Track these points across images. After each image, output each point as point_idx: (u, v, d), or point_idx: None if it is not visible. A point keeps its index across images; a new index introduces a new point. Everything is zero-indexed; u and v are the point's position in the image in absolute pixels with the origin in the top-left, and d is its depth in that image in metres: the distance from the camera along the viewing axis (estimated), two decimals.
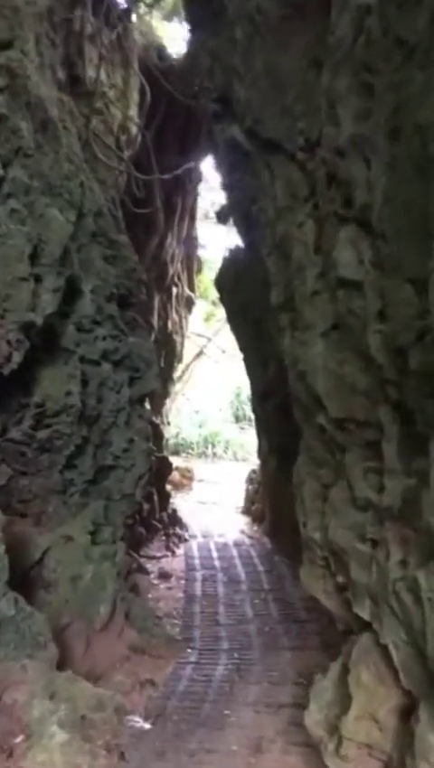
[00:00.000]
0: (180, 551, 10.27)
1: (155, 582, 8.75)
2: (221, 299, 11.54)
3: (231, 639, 6.75)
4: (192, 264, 13.36)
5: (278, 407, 10.63)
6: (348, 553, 3.49)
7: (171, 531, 10.66)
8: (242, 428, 23.89)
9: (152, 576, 9.00)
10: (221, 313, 22.35)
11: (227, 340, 25.02)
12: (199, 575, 9.00)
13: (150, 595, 8.19)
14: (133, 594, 6.84)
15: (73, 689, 4.88)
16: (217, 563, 9.58)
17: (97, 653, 6.05)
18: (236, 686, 5.63)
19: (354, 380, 3.43)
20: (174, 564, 9.58)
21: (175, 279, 12.49)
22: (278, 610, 7.59)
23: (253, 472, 13.67)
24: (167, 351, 12.54)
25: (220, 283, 11.46)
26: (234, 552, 10.16)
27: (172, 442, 21.76)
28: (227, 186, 8.98)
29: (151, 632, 6.46)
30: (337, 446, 3.88)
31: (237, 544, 10.69)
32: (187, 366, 23.31)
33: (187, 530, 11.57)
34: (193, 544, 10.69)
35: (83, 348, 6.47)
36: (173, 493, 14.61)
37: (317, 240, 3.74)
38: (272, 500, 11.02)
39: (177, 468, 16.22)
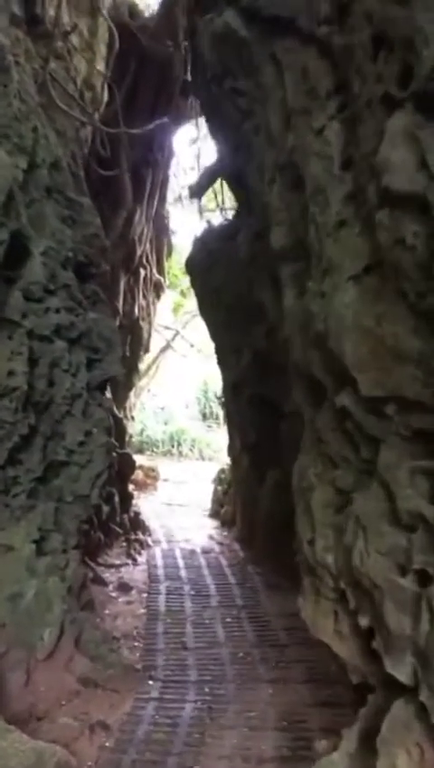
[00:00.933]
0: (142, 559, 9.24)
1: (114, 595, 7.71)
2: (192, 283, 10.54)
3: (201, 667, 5.75)
4: (162, 245, 12.34)
5: (251, 400, 9.68)
6: (381, 588, 2.52)
7: (133, 537, 9.63)
8: (209, 426, 23.05)
9: (110, 587, 7.96)
10: (190, 304, 21.42)
11: (195, 333, 24.14)
12: (163, 587, 7.99)
13: (107, 611, 7.15)
14: (86, 613, 5.80)
15: (3, 744, 3.85)
16: (183, 573, 8.57)
17: (39, 688, 5.01)
18: (208, 731, 4.64)
19: (399, 343, 2.46)
20: (136, 574, 8.54)
21: (144, 261, 11.46)
22: (253, 630, 6.62)
23: (222, 471, 12.70)
24: (133, 339, 11.50)
25: (191, 265, 10.46)
26: (202, 561, 9.17)
27: (136, 439, 20.82)
28: (211, 121, 7.85)
29: (106, 661, 5.44)
30: (366, 438, 2.93)
31: (205, 551, 9.70)
32: (154, 360, 22.40)
33: (151, 535, 10.55)
34: (157, 551, 9.68)
35: (31, 320, 5.42)
36: (136, 494, 13.61)
37: (346, 149, 2.77)
38: (244, 503, 10.06)
39: (141, 467, 15.20)
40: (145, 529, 10.31)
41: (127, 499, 10.19)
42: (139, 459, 18.36)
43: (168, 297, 20.94)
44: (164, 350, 22.97)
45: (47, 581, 5.24)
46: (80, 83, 8.34)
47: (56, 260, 5.72)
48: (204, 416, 23.73)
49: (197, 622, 6.85)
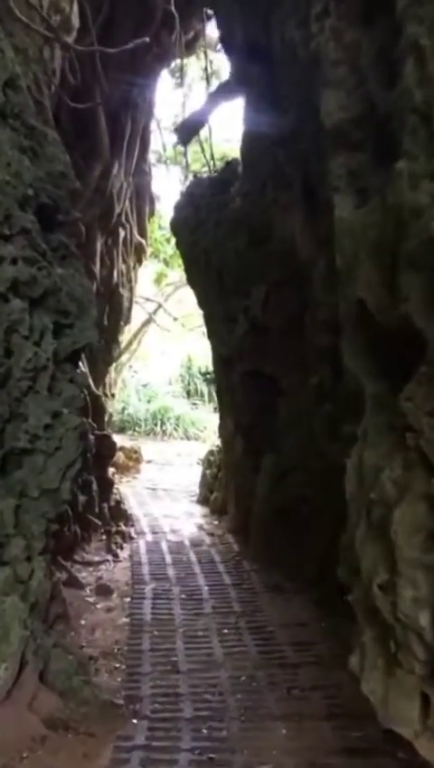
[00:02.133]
0: (125, 554, 8.20)
1: (92, 600, 6.66)
2: (178, 243, 9.40)
3: (196, 698, 4.72)
4: (143, 204, 11.13)
5: (246, 375, 8.60)
6: None
7: (114, 529, 8.57)
8: (194, 404, 22.01)
9: (88, 590, 6.91)
10: (173, 275, 20.23)
11: (179, 306, 22.98)
12: (149, 589, 6.95)
13: (83, 621, 6.12)
14: (56, 635, 4.74)
15: None
16: (171, 571, 7.54)
17: None
18: None
19: None
20: (117, 573, 7.50)
21: (123, 220, 10.27)
22: (255, 645, 5.60)
23: (211, 454, 11.65)
24: (112, 308, 10.34)
25: (176, 222, 9.33)
26: (192, 555, 8.14)
27: (117, 418, 19.76)
28: None
29: (79, 696, 4.39)
30: None
31: (195, 544, 8.68)
32: (135, 334, 21.32)
33: (133, 526, 9.51)
34: (141, 544, 8.63)
35: None
36: (117, 478, 12.55)
37: None
38: (237, 489, 9.04)
39: (122, 448, 14.12)
40: (127, 520, 9.26)
41: (106, 486, 9.13)
42: (120, 439, 17.30)
43: (150, 268, 19.77)
44: (145, 323, 21.86)
45: (3, 602, 4.17)
46: (46, 5, 7.11)
47: (11, 198, 4.57)
48: (189, 394, 22.69)
49: (189, 635, 5.82)
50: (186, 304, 23.24)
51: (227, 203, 8.55)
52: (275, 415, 8.10)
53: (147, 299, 21.04)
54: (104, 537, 8.44)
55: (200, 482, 11.57)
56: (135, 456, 14.41)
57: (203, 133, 10.14)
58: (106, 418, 11.85)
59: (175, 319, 21.62)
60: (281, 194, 6.73)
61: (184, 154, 10.89)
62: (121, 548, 8.34)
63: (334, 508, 7.21)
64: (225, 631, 5.92)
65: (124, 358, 19.37)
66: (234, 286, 8.29)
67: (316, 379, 6.13)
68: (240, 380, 8.68)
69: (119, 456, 13.42)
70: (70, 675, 4.42)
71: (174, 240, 19.05)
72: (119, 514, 9.00)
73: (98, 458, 8.86)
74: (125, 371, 20.16)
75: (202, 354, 23.57)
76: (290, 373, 7.69)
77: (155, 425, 20.17)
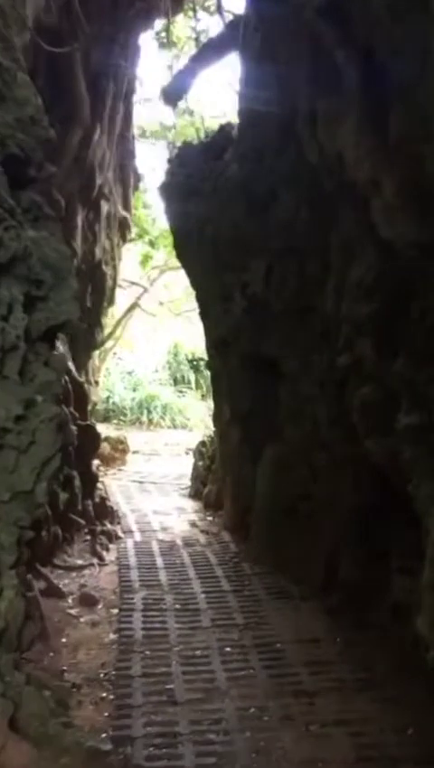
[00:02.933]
0: (111, 556, 7.44)
1: (74, 613, 5.90)
2: (167, 213, 8.57)
3: (199, 738, 3.98)
4: (127, 176, 10.27)
5: (244, 359, 7.85)
6: None
7: (99, 528, 7.80)
8: (181, 392, 21.28)
9: (70, 600, 6.15)
10: (159, 256, 19.38)
11: (166, 291, 22.16)
12: (139, 598, 6.20)
13: (64, 639, 5.36)
14: (29, 668, 3.97)
15: None
16: (163, 576, 6.79)
17: None
18: None
19: None
20: (103, 579, 6.75)
21: (106, 192, 9.42)
22: (264, 668, 4.87)
23: (203, 444, 10.90)
24: (95, 287, 9.51)
25: (165, 191, 8.51)
26: (186, 557, 7.40)
27: (101, 407, 19.00)
28: None
29: (57, 744, 3.63)
30: None
31: (188, 544, 7.94)
32: (120, 320, 20.55)
33: (120, 523, 8.76)
34: (129, 544, 7.88)
35: None
36: (102, 470, 11.78)
37: None
38: (234, 483, 8.28)
39: (107, 439, 13.35)
40: (113, 517, 8.49)
41: (90, 481, 8.34)
42: (105, 429, 16.54)
43: (134, 251, 18.93)
44: (131, 308, 21.05)
45: None
46: None
47: None
48: (175, 381, 21.96)
49: (186, 656, 5.07)
50: (173, 288, 22.47)
51: (222, 170, 7.74)
52: (276, 402, 7.36)
53: (133, 283, 20.22)
54: (88, 537, 7.67)
55: (191, 475, 10.81)
56: (121, 447, 13.63)
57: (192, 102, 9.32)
58: (89, 407, 11.06)
59: (162, 304, 20.82)
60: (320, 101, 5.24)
61: (171, 123, 10.06)
62: (107, 550, 7.58)
63: (341, 505, 6.54)
64: (228, 649, 5.18)
65: (108, 344, 18.62)
66: (231, 260, 7.50)
67: (347, 358, 5.31)
68: (236, 364, 7.92)
69: (104, 447, 12.65)
70: (46, 719, 3.66)
71: (159, 221, 18.37)
72: (105, 512, 8.22)
73: (80, 451, 8.07)
74: (109, 358, 19.42)
75: (189, 340, 22.82)
76: (293, 356, 6.94)
77: (141, 413, 19.49)
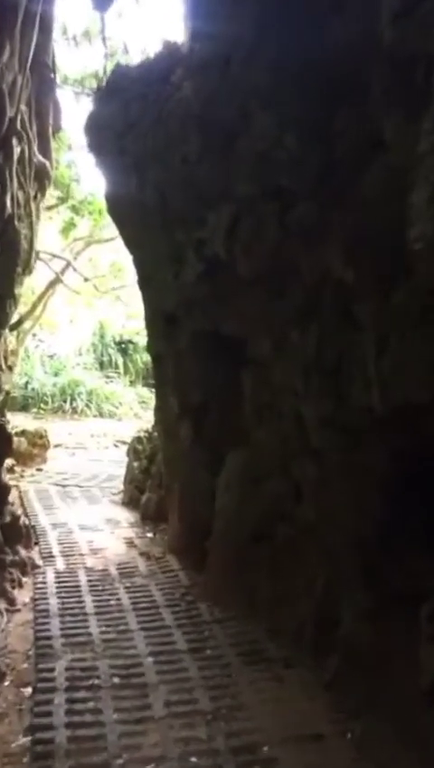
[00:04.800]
0: (24, 596, 5.68)
1: None
2: (96, 152, 6.71)
3: None
4: (44, 110, 8.30)
5: (199, 337, 6.20)
6: None
7: (8, 558, 5.98)
8: (108, 377, 19.56)
9: None
10: (84, 225, 17.38)
11: (91, 265, 20.17)
12: (61, 668, 4.46)
13: None
14: None
15: None
16: (95, 627, 5.08)
17: None
18: None
19: None
20: (13, 635, 4.96)
21: (18, 129, 7.51)
22: None
23: (139, 441, 9.20)
24: (5, 249, 7.57)
25: (94, 125, 6.69)
26: (123, 595, 5.70)
27: (19, 394, 17.06)
28: None
29: None
30: None
31: (125, 573, 6.25)
32: (40, 297, 18.54)
33: (38, 544, 6.98)
34: (49, 577, 6.11)
35: None
36: (17, 472, 9.95)
37: None
38: (184, 494, 6.63)
39: (24, 432, 11.49)
40: (29, 541, 6.68)
41: (0, 495, 6.50)
42: (23, 420, 14.66)
43: (57, 220, 16.91)
44: (52, 285, 19.01)
45: None
46: None
47: None
48: (102, 366, 20.22)
49: None
50: (99, 263, 20.50)
51: (171, 95, 5.99)
52: (240, 392, 5.75)
53: (54, 255, 18.17)
54: None
55: (125, 478, 9.10)
56: (40, 442, 11.77)
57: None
58: (0, 397, 9.18)
59: (87, 280, 18.88)
60: None
61: (102, 31, 8.16)
62: (20, 587, 5.81)
63: (337, 530, 5.01)
64: (193, 759, 3.54)
65: (27, 324, 16.70)
66: (182, 212, 5.79)
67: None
68: (187, 345, 6.26)
69: (20, 443, 10.81)
70: None
71: (85, 185, 16.37)
72: (17, 535, 6.39)
73: None
74: (27, 340, 17.52)
75: (116, 320, 20.93)
76: (265, 334, 5.33)
77: (64, 401, 17.82)
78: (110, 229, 13.30)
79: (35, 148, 8.03)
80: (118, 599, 5.62)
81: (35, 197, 8.12)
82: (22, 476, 10.19)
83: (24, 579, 5.97)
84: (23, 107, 7.55)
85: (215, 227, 5.43)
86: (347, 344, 4.41)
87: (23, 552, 6.29)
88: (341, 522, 4.68)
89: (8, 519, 6.38)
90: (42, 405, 17.46)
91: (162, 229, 6.06)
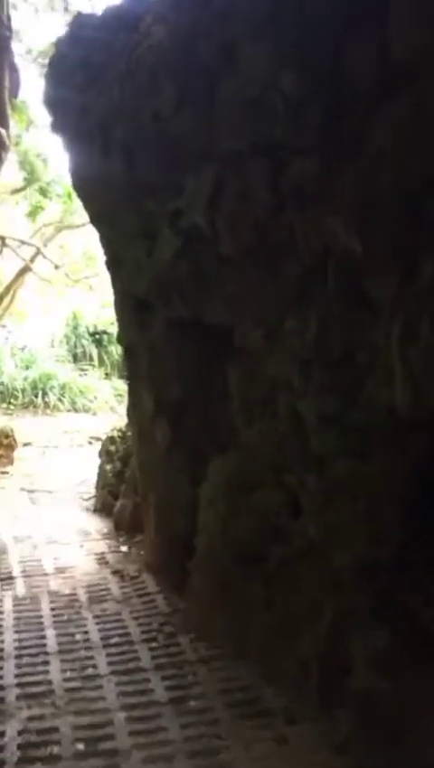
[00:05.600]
0: None
1: None
2: (52, 107, 5.84)
3: None
4: (1, 76, 7.43)
5: (177, 325, 5.37)
6: None
7: None
8: (82, 370, 18.67)
9: None
10: (54, 210, 16.49)
11: (62, 252, 19.29)
12: (12, 730, 3.64)
13: None
14: None
15: None
16: (56, 673, 4.26)
17: None
18: None
19: None
20: None
21: None
22: None
23: (112, 442, 8.37)
24: None
25: (54, 80, 5.81)
26: (92, 628, 4.88)
27: None
28: None
29: None
30: None
31: (95, 598, 5.43)
32: (8, 287, 17.66)
33: None
34: (7, 605, 5.28)
35: None
36: None
37: None
38: (161, 504, 5.81)
39: None
40: None
41: None
42: None
43: (24, 205, 15.97)
44: (21, 273, 18.14)
45: None
46: None
47: None
48: (75, 358, 19.32)
49: None
50: (70, 250, 19.56)
51: (139, 43, 5.12)
52: (224, 390, 4.96)
53: (23, 242, 17.27)
54: None
55: (97, 483, 8.27)
56: (7, 441, 10.91)
57: None
58: None
59: (58, 268, 18.00)
60: None
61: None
62: None
63: (345, 553, 4.24)
64: None
65: None
66: (154, 178, 4.95)
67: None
68: (163, 334, 5.43)
69: None
70: None
71: (54, 166, 15.38)
72: None
73: None
74: None
75: (90, 310, 20.00)
76: (254, 321, 4.54)
77: (36, 395, 16.95)
78: (82, 214, 12.42)
79: None
80: (86, 632, 4.80)
81: None
82: None
83: None
84: None
85: (194, 194, 4.59)
86: (357, 329, 3.64)
87: None
88: (348, 541, 3.91)
89: None
90: (11, 400, 16.59)
91: (131, 200, 5.21)
